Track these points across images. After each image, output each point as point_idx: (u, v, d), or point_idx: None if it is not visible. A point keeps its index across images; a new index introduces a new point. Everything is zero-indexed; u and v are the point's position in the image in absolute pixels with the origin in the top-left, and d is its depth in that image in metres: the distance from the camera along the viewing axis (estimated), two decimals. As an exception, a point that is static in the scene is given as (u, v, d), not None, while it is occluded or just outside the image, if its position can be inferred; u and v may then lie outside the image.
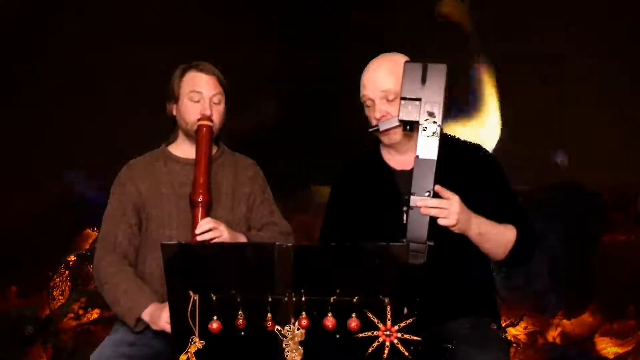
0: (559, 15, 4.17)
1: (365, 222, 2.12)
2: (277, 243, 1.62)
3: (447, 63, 1.90)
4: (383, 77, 2.04)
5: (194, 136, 2.21)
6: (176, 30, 4.37)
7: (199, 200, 2.12)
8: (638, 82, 4.02)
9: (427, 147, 1.86)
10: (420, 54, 1.97)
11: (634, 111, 4.03)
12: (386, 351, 1.65)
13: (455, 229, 1.90)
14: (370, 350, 1.65)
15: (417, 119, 1.87)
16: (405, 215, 1.98)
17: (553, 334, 3.98)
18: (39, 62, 4.39)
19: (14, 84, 4.37)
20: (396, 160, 2.15)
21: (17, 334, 4.16)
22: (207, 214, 2.14)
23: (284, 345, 1.65)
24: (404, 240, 1.83)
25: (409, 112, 1.87)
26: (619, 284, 3.95)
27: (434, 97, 1.86)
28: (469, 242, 1.98)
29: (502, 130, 4.31)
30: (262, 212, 2.36)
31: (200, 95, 2.21)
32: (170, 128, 2.34)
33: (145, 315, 2.08)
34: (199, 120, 2.19)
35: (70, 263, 4.41)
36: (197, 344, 1.67)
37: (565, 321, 3.98)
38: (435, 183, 1.86)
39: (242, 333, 1.65)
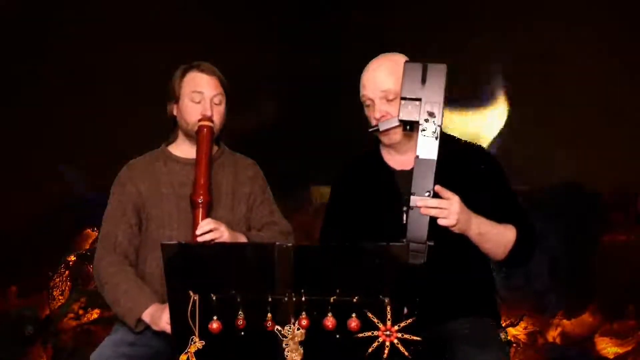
0: (559, 15, 4.17)
1: (365, 222, 2.12)
2: (277, 243, 1.62)
3: (447, 63, 1.91)
4: (383, 77, 2.04)
5: (194, 136, 2.21)
6: (176, 30, 4.37)
7: (200, 201, 2.12)
8: (638, 82, 4.02)
9: (427, 147, 1.86)
10: (420, 54, 1.97)
11: (634, 111, 4.02)
12: (386, 351, 1.65)
13: (455, 229, 1.90)
14: (370, 350, 1.65)
15: (417, 119, 1.87)
16: (405, 215, 1.99)
17: (553, 334, 3.97)
18: (39, 62, 4.38)
19: (14, 84, 4.37)
20: (396, 160, 2.15)
21: (17, 334, 4.16)
22: (207, 214, 2.14)
23: (284, 345, 1.65)
24: (404, 240, 1.83)
25: (409, 112, 1.88)
26: (619, 284, 3.95)
27: (434, 97, 1.86)
28: (469, 242, 1.99)
29: (502, 130, 4.31)
30: (262, 212, 2.36)
31: (201, 96, 2.21)
32: (170, 128, 2.34)
33: (146, 316, 2.08)
34: (199, 120, 2.19)
35: (70, 263, 4.41)
36: (197, 344, 1.67)
37: (565, 321, 3.98)
38: (435, 183, 1.86)
39: (242, 333, 1.65)
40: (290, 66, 4.50)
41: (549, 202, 4.11)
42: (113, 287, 2.16)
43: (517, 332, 3.93)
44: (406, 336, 1.64)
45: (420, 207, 1.84)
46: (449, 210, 1.86)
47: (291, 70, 4.50)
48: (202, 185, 2.14)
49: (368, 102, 2.08)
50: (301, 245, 1.69)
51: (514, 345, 3.82)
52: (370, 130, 2.06)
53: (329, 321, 1.63)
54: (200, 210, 2.12)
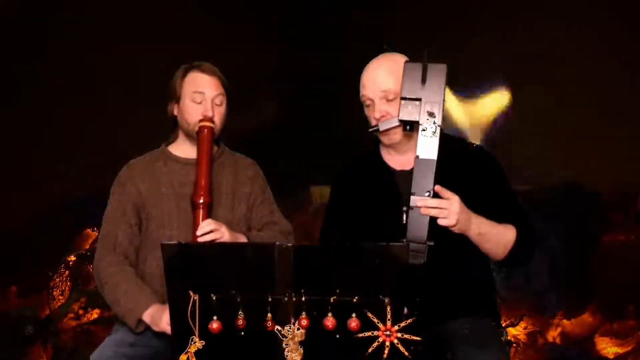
0: (559, 15, 4.17)
1: (365, 222, 2.12)
2: (277, 243, 1.62)
3: (447, 63, 1.91)
4: (383, 77, 2.04)
5: (195, 137, 2.21)
6: (176, 30, 4.37)
7: (200, 201, 2.12)
8: (638, 82, 4.02)
9: (427, 147, 1.86)
10: (420, 54, 1.96)
11: (634, 111, 4.02)
12: (386, 351, 1.65)
13: (455, 229, 1.90)
14: (370, 350, 1.65)
15: (417, 119, 1.87)
16: (405, 215, 1.99)
17: (553, 334, 3.97)
18: (39, 62, 4.38)
19: (14, 84, 4.37)
20: (396, 160, 2.15)
21: (17, 334, 4.15)
22: (208, 215, 2.14)
23: (284, 345, 1.65)
24: (404, 240, 1.83)
25: (409, 112, 1.87)
26: (619, 284, 3.95)
27: (434, 97, 1.86)
28: (469, 242, 1.99)
29: (503, 130, 4.31)
30: (263, 212, 2.36)
31: (202, 96, 2.21)
32: (170, 128, 2.34)
33: (146, 317, 2.07)
34: (200, 121, 2.19)
35: (70, 263, 4.41)
36: (197, 344, 1.67)
37: (565, 321, 3.98)
38: (435, 183, 1.86)
39: (242, 333, 1.65)
40: (290, 66, 4.50)
41: (549, 202, 4.11)
42: (113, 287, 2.16)
43: (517, 332, 3.93)
44: (406, 336, 1.64)
45: (420, 207, 1.84)
46: (449, 210, 1.86)
47: (291, 70, 4.50)
48: (203, 186, 2.14)
49: (368, 102, 2.08)
50: (301, 245, 1.69)
51: (514, 345, 3.82)
52: (370, 130, 2.06)
53: (329, 321, 1.63)
54: (201, 211, 2.12)
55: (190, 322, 1.66)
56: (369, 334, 1.64)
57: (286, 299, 1.63)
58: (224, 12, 4.48)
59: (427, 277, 1.81)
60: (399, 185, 2.10)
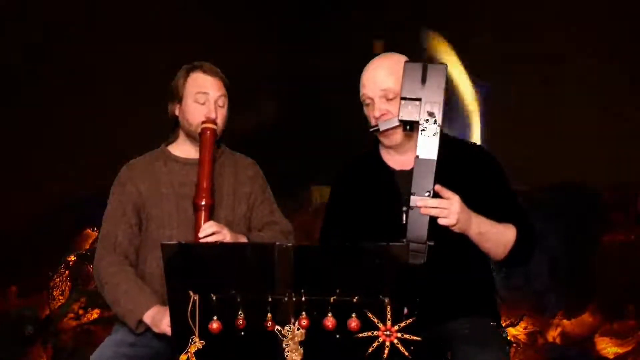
0: (559, 15, 4.17)
1: (365, 222, 2.12)
2: (277, 243, 1.62)
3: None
4: (383, 76, 2.04)
5: (196, 137, 2.20)
6: (176, 30, 4.37)
7: (202, 203, 2.12)
8: (638, 82, 4.02)
9: (427, 147, 1.86)
10: (419, 55, 1.97)
11: (634, 111, 4.03)
12: (386, 351, 1.65)
13: (456, 229, 1.90)
14: (370, 350, 1.65)
15: (417, 119, 1.87)
16: (405, 215, 1.99)
17: (553, 334, 3.98)
18: (39, 63, 4.39)
19: (14, 84, 4.37)
20: (395, 160, 2.15)
21: (17, 334, 4.16)
22: (210, 217, 2.14)
23: (284, 345, 1.65)
24: (404, 240, 1.83)
25: (409, 112, 1.87)
26: (619, 284, 3.95)
27: (434, 97, 1.86)
28: (468, 242, 1.98)
29: (502, 130, 4.31)
30: (263, 212, 2.36)
31: (205, 97, 2.20)
32: (170, 128, 2.34)
33: (147, 318, 2.07)
34: (203, 122, 2.18)
35: (70, 263, 4.41)
36: (197, 344, 1.67)
37: (565, 321, 3.98)
38: (435, 183, 1.86)
39: (242, 333, 1.65)
40: (290, 66, 4.51)
41: (549, 202, 4.11)
42: (113, 287, 2.15)
43: (517, 332, 3.93)
44: (406, 336, 1.64)
45: (420, 207, 1.84)
46: (449, 209, 1.86)
47: (291, 70, 4.51)
48: (205, 188, 2.13)
49: (368, 101, 2.08)
50: (301, 245, 1.69)
51: (514, 345, 3.82)
52: (371, 130, 2.06)
53: (329, 321, 1.63)
54: (203, 213, 2.12)
55: (190, 322, 1.66)
56: (369, 334, 1.64)
57: (286, 299, 1.63)
58: (224, 12, 4.48)
59: (427, 277, 1.81)
60: (398, 185, 2.10)
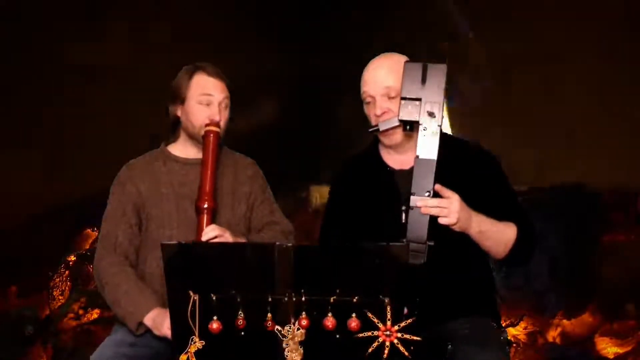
0: (559, 15, 4.17)
1: (365, 221, 2.12)
2: (277, 243, 1.62)
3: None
4: (385, 74, 2.04)
5: (198, 139, 2.20)
6: (176, 30, 4.37)
7: (205, 206, 2.12)
8: (638, 82, 4.02)
9: (427, 147, 1.86)
10: (419, 55, 1.97)
11: (634, 111, 4.03)
12: (386, 351, 1.65)
13: (456, 228, 1.90)
14: (370, 350, 1.65)
15: (417, 119, 1.87)
16: (404, 215, 1.99)
17: (553, 334, 3.97)
18: (40, 62, 4.39)
19: (14, 84, 4.37)
20: (395, 160, 2.15)
21: (17, 334, 4.16)
22: (212, 220, 2.14)
23: (284, 345, 1.65)
24: (404, 240, 1.83)
25: (409, 112, 1.87)
26: (619, 284, 3.95)
27: (434, 97, 1.86)
28: (468, 242, 1.99)
29: (502, 130, 4.31)
30: (263, 212, 2.36)
31: (210, 99, 2.20)
32: (170, 128, 2.33)
33: (148, 320, 2.07)
34: (207, 125, 2.18)
35: (70, 263, 4.41)
36: (197, 344, 1.67)
37: (565, 321, 3.98)
38: (435, 183, 1.86)
39: (242, 333, 1.65)
40: (290, 66, 4.51)
41: (549, 202, 4.11)
42: (114, 288, 2.15)
43: (517, 332, 3.93)
44: (406, 336, 1.64)
45: (420, 207, 1.84)
46: (449, 209, 1.86)
47: (291, 70, 4.50)
48: (207, 191, 2.13)
49: (369, 100, 2.08)
50: (301, 245, 1.69)
51: (514, 345, 3.82)
52: (371, 130, 2.06)
53: (329, 321, 1.63)
54: (205, 216, 2.12)
55: (190, 322, 1.66)
56: (369, 334, 1.64)
57: (286, 299, 1.63)
58: (224, 12, 4.48)
59: (427, 277, 1.81)
60: (398, 184, 2.10)
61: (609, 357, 3.83)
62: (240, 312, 1.64)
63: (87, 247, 4.48)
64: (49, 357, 4.13)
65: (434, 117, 1.86)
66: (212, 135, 2.16)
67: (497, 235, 2.01)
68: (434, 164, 1.85)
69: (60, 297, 4.33)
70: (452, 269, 2.06)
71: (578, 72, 4.11)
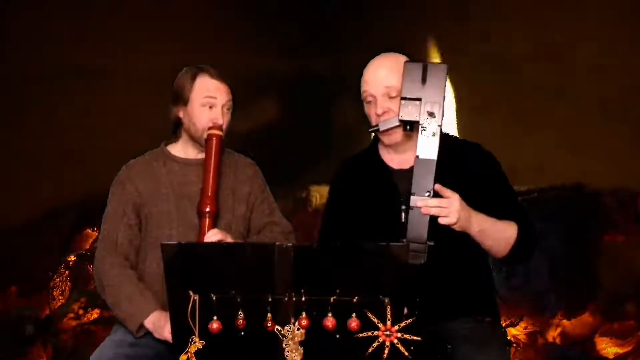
0: (559, 15, 4.17)
1: (364, 221, 2.12)
2: (277, 243, 1.62)
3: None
4: (386, 74, 2.04)
5: (201, 142, 2.20)
6: (177, 30, 4.37)
7: (207, 210, 2.12)
8: (638, 82, 4.02)
9: (427, 147, 1.86)
10: (419, 55, 1.97)
11: (634, 111, 4.03)
12: (386, 351, 1.65)
13: (457, 227, 1.90)
14: (370, 350, 1.65)
15: (417, 119, 1.87)
16: (404, 215, 1.99)
17: (553, 334, 3.97)
18: (40, 62, 4.39)
19: (15, 84, 4.38)
20: (394, 159, 2.15)
21: (17, 334, 4.16)
22: (214, 224, 2.14)
23: (284, 345, 1.65)
24: (404, 240, 1.83)
25: (409, 112, 1.87)
26: (619, 284, 3.95)
27: (434, 97, 1.86)
28: (469, 242, 1.98)
29: (503, 129, 4.31)
30: (263, 212, 2.36)
31: (214, 102, 2.19)
32: (171, 129, 2.33)
33: (148, 324, 2.07)
34: (210, 128, 2.18)
35: (70, 263, 4.41)
36: (197, 344, 1.67)
37: (565, 321, 3.98)
38: (435, 183, 1.86)
39: (242, 333, 1.65)
40: (290, 66, 4.51)
41: (549, 202, 4.11)
42: (115, 289, 2.15)
43: (517, 332, 3.93)
44: (406, 336, 1.64)
45: (420, 207, 1.84)
46: (449, 209, 1.86)
47: (291, 70, 4.51)
48: (210, 195, 2.13)
49: (370, 99, 2.08)
50: (301, 245, 1.69)
51: (514, 345, 3.82)
52: (371, 130, 2.06)
53: (329, 321, 1.63)
54: (207, 220, 2.12)
55: (190, 322, 1.66)
56: (369, 334, 1.64)
57: (286, 299, 1.63)
58: (224, 13, 4.48)
59: (427, 277, 1.80)
60: (397, 184, 2.10)
61: (609, 357, 3.83)
62: (240, 312, 1.64)
63: (87, 247, 4.48)
64: (49, 357, 4.13)
65: (434, 117, 1.86)
66: (215, 138, 2.16)
67: (497, 234, 2.01)
68: (434, 163, 1.85)
69: (60, 297, 4.33)
70: (452, 269, 2.06)
71: (578, 72, 4.11)
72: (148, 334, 2.10)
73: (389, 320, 1.63)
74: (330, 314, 1.63)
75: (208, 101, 2.19)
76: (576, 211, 4.12)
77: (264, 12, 4.51)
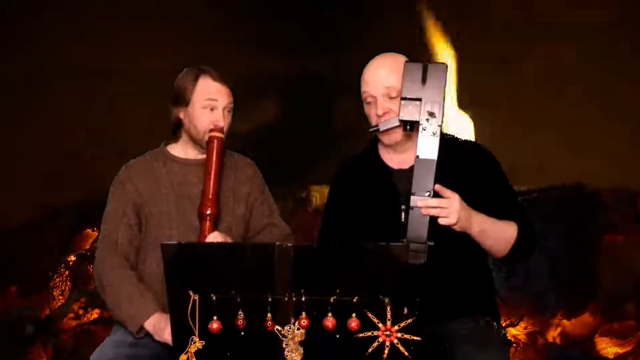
0: (560, 15, 4.17)
1: (364, 221, 2.12)
2: (277, 243, 1.62)
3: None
4: (386, 74, 2.04)
5: (201, 144, 2.20)
6: (177, 31, 4.38)
7: (208, 213, 2.12)
8: (638, 82, 4.02)
9: (428, 147, 1.86)
10: (419, 55, 1.97)
11: (634, 111, 4.03)
12: (386, 351, 1.65)
13: (457, 228, 1.90)
14: (370, 350, 1.65)
15: (417, 119, 1.87)
16: (404, 215, 1.99)
17: (553, 334, 3.97)
18: (40, 62, 4.39)
19: (15, 84, 4.38)
20: (394, 159, 2.15)
21: (17, 334, 4.16)
22: (214, 227, 2.14)
23: (284, 345, 1.65)
24: (404, 240, 1.83)
25: (410, 112, 1.87)
26: (619, 284, 3.95)
27: (434, 97, 1.86)
28: (469, 242, 1.98)
29: (503, 130, 4.32)
30: (262, 213, 2.36)
31: (215, 104, 2.19)
32: (172, 129, 2.33)
33: (149, 326, 2.07)
34: (211, 131, 2.17)
35: (70, 263, 4.41)
36: (197, 344, 1.67)
37: (565, 321, 3.98)
38: (435, 183, 1.86)
39: (242, 333, 1.65)
40: (291, 67, 4.51)
41: (549, 202, 4.11)
42: (115, 290, 2.14)
43: (517, 332, 3.93)
44: (406, 336, 1.64)
45: (420, 207, 1.84)
46: (450, 209, 1.86)
47: (291, 70, 4.51)
48: (211, 198, 2.13)
49: (370, 100, 2.07)
50: (301, 245, 1.69)
51: (514, 345, 3.82)
52: (371, 130, 2.06)
53: (329, 321, 1.63)
54: (208, 222, 2.12)
55: (190, 322, 1.66)
56: (369, 334, 1.64)
57: (286, 299, 1.63)
58: (225, 13, 4.49)
59: (427, 277, 1.80)
60: (397, 184, 2.10)
61: (609, 357, 3.83)
62: (240, 312, 1.64)
63: (87, 247, 4.49)
64: (49, 357, 4.13)
65: (434, 117, 1.86)
66: (216, 141, 2.16)
67: (497, 234, 2.01)
68: (434, 164, 1.85)
69: (60, 297, 4.33)
70: (452, 269, 2.06)
71: (578, 73, 4.12)
72: (148, 334, 2.10)
73: (389, 320, 1.63)
74: (330, 314, 1.63)
75: (209, 103, 2.19)
76: (576, 211, 4.12)
77: (264, 12, 4.51)
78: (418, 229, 1.84)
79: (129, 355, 2.08)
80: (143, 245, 2.24)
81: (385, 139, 2.09)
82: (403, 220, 2.01)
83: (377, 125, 2.03)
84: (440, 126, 1.86)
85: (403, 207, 2.02)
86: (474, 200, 1.95)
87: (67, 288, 4.36)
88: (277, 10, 4.47)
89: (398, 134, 2.05)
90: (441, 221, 1.86)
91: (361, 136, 2.27)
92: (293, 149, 4.33)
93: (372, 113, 2.07)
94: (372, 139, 2.20)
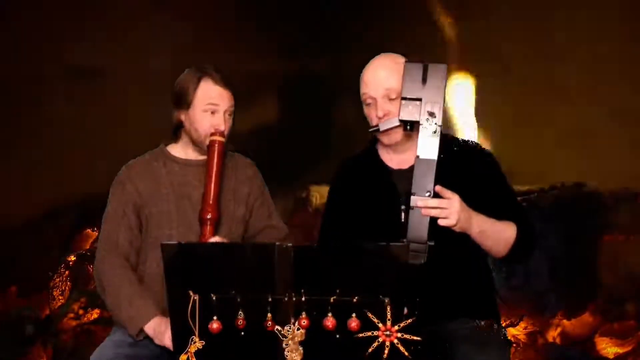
0: (559, 14, 4.17)
1: (364, 221, 2.12)
2: (277, 243, 1.62)
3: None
4: (385, 75, 2.04)
5: (201, 146, 2.20)
6: (177, 31, 4.37)
7: (208, 217, 2.12)
8: (638, 81, 4.02)
9: (428, 147, 1.86)
10: (419, 56, 1.97)
11: (634, 111, 4.03)
12: (386, 351, 1.65)
13: (457, 228, 1.90)
14: (370, 350, 1.65)
15: (417, 119, 1.87)
16: (404, 215, 1.99)
17: (553, 334, 3.97)
18: (40, 62, 4.39)
19: (15, 84, 4.38)
20: (393, 159, 2.15)
21: (17, 334, 4.16)
22: (215, 231, 2.14)
23: (284, 345, 1.65)
24: (404, 240, 1.83)
25: (410, 112, 1.87)
26: (619, 284, 3.95)
27: (434, 97, 1.86)
28: (468, 242, 1.98)
29: (502, 129, 4.31)
30: (262, 215, 2.36)
31: (216, 108, 2.19)
32: (172, 130, 2.32)
33: (149, 329, 2.06)
34: (212, 134, 2.17)
35: (70, 263, 4.41)
36: (197, 344, 1.67)
37: (565, 321, 3.98)
38: (435, 183, 1.86)
39: (242, 333, 1.65)
40: (291, 67, 4.51)
41: (549, 202, 4.11)
42: (115, 291, 2.14)
43: (517, 332, 3.93)
44: (406, 336, 1.64)
45: (420, 208, 1.84)
46: (449, 210, 1.86)
47: (291, 70, 4.51)
48: (211, 202, 2.13)
49: (369, 101, 2.07)
50: (301, 245, 1.69)
51: (514, 345, 3.82)
52: (371, 130, 2.06)
53: (329, 321, 1.63)
54: (209, 227, 2.12)
55: (190, 322, 1.66)
56: (369, 334, 1.64)
57: (286, 299, 1.63)
58: (224, 13, 4.48)
59: (427, 277, 1.80)
60: (396, 184, 2.10)
61: (609, 357, 3.83)
62: (240, 312, 1.64)
63: (87, 247, 4.48)
64: (49, 357, 4.13)
65: (434, 117, 1.86)
66: (217, 145, 2.16)
67: (497, 234, 2.01)
68: (434, 164, 1.85)
69: (60, 297, 4.33)
70: (452, 269, 2.06)
71: (578, 72, 4.11)
72: (148, 337, 2.10)
73: (389, 320, 1.63)
74: (330, 314, 1.63)
75: (210, 107, 2.19)
76: (576, 211, 4.12)
77: (264, 12, 4.50)
78: (418, 229, 1.84)
79: (129, 355, 2.08)
80: (143, 246, 2.24)
81: (385, 139, 2.09)
82: (403, 220, 2.01)
83: (377, 125, 2.03)
84: (441, 126, 1.86)
85: (403, 207, 2.02)
86: (474, 200, 1.95)
87: (67, 288, 4.36)
88: (277, 10, 4.46)
89: (398, 134, 2.05)
90: (441, 222, 1.86)
91: (361, 136, 2.27)
92: (293, 149, 4.32)
93: (371, 114, 2.07)
94: (372, 139, 2.20)
